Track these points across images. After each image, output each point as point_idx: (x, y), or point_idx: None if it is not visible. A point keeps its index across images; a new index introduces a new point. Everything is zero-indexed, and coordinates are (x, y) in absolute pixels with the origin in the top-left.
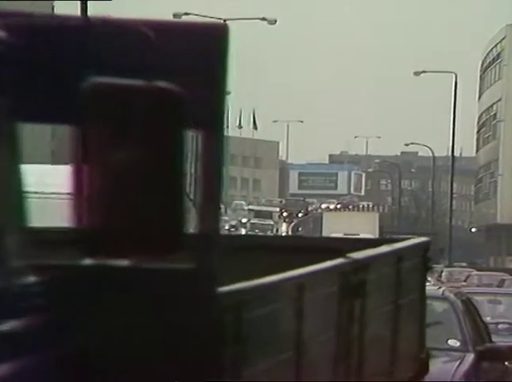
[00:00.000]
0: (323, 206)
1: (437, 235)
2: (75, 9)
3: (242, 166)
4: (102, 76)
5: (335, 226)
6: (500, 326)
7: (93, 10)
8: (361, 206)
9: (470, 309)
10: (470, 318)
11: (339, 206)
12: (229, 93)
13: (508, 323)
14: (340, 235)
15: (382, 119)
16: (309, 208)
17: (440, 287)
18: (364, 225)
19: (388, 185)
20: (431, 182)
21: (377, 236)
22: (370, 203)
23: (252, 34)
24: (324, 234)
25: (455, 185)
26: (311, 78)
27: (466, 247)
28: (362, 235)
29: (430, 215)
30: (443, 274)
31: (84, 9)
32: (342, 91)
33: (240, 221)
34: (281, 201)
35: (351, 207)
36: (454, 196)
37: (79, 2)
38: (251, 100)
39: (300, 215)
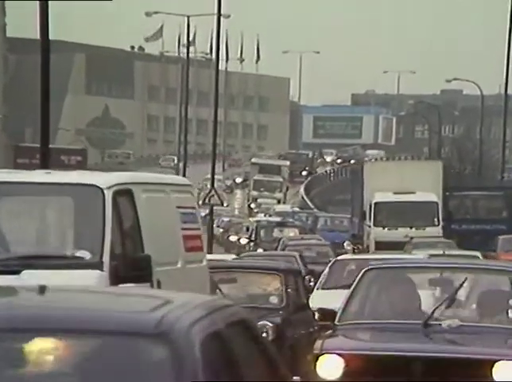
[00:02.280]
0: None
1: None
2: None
3: (244, 109)
4: None
5: (381, 181)
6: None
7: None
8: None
9: None
10: None
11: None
12: (229, 16)
13: None
14: (389, 194)
15: (416, 50)
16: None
17: None
18: (422, 179)
19: (424, 132)
20: (479, 128)
21: (440, 195)
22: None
23: None
24: (367, 193)
25: (508, 131)
26: (329, 2)
27: None
28: (419, 194)
29: (477, 169)
30: None
31: (45, 10)
32: (367, 15)
33: (234, 181)
34: (280, 156)
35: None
36: (507, 144)
37: (38, 3)
38: (256, 26)
39: (304, 173)
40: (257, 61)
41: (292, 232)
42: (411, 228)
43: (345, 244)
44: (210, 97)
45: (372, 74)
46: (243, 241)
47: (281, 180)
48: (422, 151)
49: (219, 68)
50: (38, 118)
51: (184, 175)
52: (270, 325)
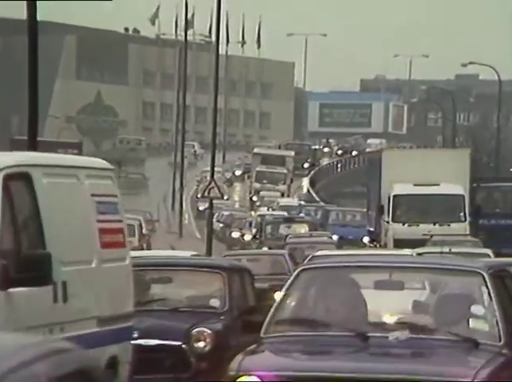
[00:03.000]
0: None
1: None
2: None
3: (246, 95)
4: None
5: (401, 172)
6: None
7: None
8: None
9: None
10: None
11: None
12: None
13: None
14: (409, 186)
15: (430, 32)
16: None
17: None
18: (447, 170)
19: (438, 120)
20: (496, 115)
21: (467, 188)
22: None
23: None
24: (384, 185)
25: None
26: None
27: None
28: (443, 186)
29: (493, 159)
30: None
31: (33, 9)
32: None
33: (234, 174)
34: (279, 147)
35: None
36: None
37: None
38: (259, 7)
39: (306, 166)
40: (259, 45)
41: (302, 228)
42: (434, 224)
43: (364, 240)
44: (209, 83)
45: (382, 58)
46: (247, 237)
47: (285, 171)
48: (435, 140)
49: (219, 51)
50: (25, 104)
51: (182, 167)
52: (208, 332)
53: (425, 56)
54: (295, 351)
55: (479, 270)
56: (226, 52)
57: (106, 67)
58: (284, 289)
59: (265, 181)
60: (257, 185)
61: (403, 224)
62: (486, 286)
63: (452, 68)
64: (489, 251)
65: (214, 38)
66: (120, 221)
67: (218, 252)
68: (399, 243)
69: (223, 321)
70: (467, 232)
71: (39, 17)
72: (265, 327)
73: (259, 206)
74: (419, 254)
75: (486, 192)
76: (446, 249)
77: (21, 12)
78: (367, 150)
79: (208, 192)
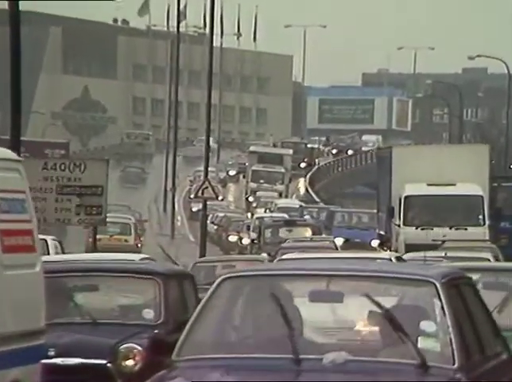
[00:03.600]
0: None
1: None
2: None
3: (242, 91)
4: None
5: (414, 170)
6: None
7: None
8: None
9: None
10: None
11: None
12: None
13: None
14: (422, 186)
15: (435, 23)
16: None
17: None
18: (464, 168)
19: (444, 117)
20: (505, 111)
21: (486, 188)
22: None
23: None
24: (395, 185)
25: None
26: None
27: None
28: (460, 186)
29: (503, 157)
30: None
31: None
32: None
33: (228, 174)
34: (274, 145)
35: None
36: None
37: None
38: None
39: (302, 166)
40: (255, 37)
41: (306, 232)
42: (450, 227)
43: (372, 243)
44: (203, 77)
45: (385, 51)
46: (245, 241)
47: (282, 170)
48: (441, 137)
49: (213, 44)
50: (8, 100)
51: (174, 165)
52: (138, 348)
53: (431, 49)
54: (212, 378)
55: (430, 280)
56: (221, 45)
57: (93, 60)
58: (202, 302)
59: (261, 181)
60: (253, 185)
61: (415, 228)
62: (439, 298)
63: (459, 62)
64: (490, 256)
65: (208, 30)
66: (29, 221)
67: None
68: (411, 249)
69: (157, 335)
70: (486, 237)
71: (21, 7)
72: (178, 348)
73: (256, 207)
74: (398, 258)
75: (508, 192)
76: (443, 253)
77: (2, 2)
78: (363, 148)
79: (202, 193)
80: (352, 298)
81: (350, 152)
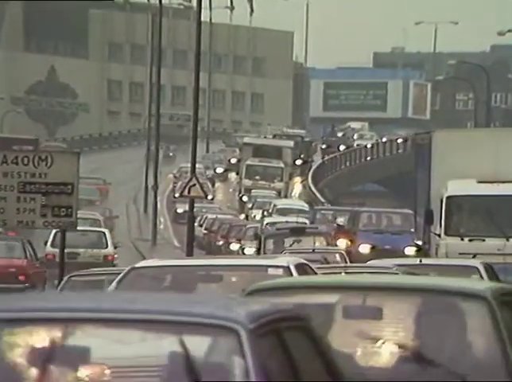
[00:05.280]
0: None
1: None
2: None
3: (234, 73)
4: None
5: (459, 163)
6: None
7: None
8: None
9: None
10: None
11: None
12: None
13: None
14: (471, 183)
15: None
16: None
17: None
18: None
19: (469, 102)
20: None
21: None
22: None
23: None
24: (435, 182)
25: None
26: None
27: None
28: None
29: None
30: None
31: None
32: None
33: (215, 171)
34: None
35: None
36: None
37: None
38: None
39: (298, 163)
40: (252, 11)
41: (317, 242)
42: (508, 239)
43: (406, 251)
44: (189, 57)
45: (400, 27)
46: (248, 251)
47: (281, 165)
48: (465, 126)
49: (202, 18)
50: None
51: (156, 160)
52: None
53: (454, 23)
54: None
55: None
56: (211, 20)
57: (61, 36)
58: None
59: (257, 178)
60: (247, 183)
61: (461, 239)
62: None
63: (487, 38)
64: (479, 265)
65: (195, 1)
66: None
67: None
68: None
69: None
70: None
71: None
72: None
73: (251, 208)
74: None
75: None
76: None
77: None
78: (356, 143)
79: (188, 191)
80: None
81: (342, 147)
